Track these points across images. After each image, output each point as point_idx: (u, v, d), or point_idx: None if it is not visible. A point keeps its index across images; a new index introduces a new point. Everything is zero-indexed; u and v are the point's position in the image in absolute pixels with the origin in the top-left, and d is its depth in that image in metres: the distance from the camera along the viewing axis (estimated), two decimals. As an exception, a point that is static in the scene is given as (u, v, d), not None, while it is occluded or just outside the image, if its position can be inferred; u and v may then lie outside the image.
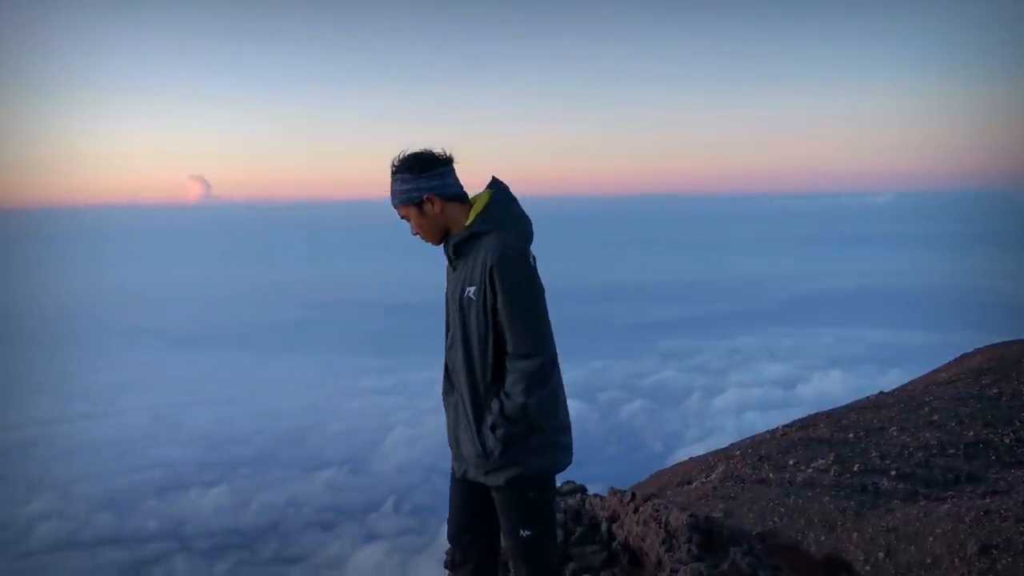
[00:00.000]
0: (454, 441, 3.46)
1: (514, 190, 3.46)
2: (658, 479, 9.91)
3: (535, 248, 3.37)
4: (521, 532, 3.35)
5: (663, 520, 4.83)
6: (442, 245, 3.41)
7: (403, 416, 44.06)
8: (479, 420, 3.31)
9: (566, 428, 3.41)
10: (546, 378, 3.23)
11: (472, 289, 3.27)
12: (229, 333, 75.46)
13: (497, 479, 3.32)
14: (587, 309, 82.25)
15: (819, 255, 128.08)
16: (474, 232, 3.31)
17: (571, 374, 53.76)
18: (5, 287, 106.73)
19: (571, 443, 3.44)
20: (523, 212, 3.43)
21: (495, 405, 3.25)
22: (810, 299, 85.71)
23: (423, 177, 3.34)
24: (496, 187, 3.42)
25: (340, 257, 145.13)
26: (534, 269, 3.27)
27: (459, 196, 3.37)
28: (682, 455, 16.03)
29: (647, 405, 48.08)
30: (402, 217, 3.41)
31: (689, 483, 9.01)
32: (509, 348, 3.24)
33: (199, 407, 49.84)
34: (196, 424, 46.25)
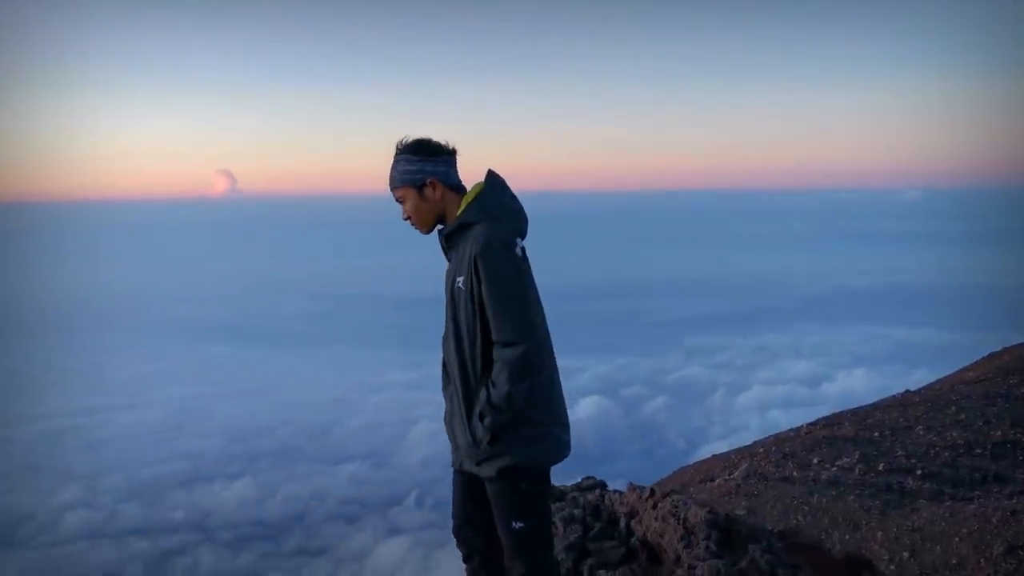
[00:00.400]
0: (451, 432, 3.49)
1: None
2: (681, 476, 9.89)
3: (533, 241, 3.40)
4: (513, 524, 3.35)
5: (682, 516, 4.82)
6: (437, 236, 3.44)
7: (426, 410, 44.13)
8: (470, 410, 3.32)
9: (561, 421, 3.40)
10: (530, 366, 3.21)
11: (461, 279, 3.29)
12: (255, 326, 75.95)
13: (489, 469, 3.32)
14: (612, 305, 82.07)
15: (846, 252, 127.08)
16: (463, 222, 3.32)
17: (595, 370, 53.81)
18: (35, 279, 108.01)
19: (567, 437, 3.42)
20: (516, 204, 3.43)
21: (482, 394, 3.26)
22: (836, 296, 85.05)
23: (429, 161, 3.37)
24: (490, 179, 3.42)
25: (366, 250, 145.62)
26: (519, 259, 3.26)
27: (458, 187, 3.41)
28: (705, 452, 15.98)
29: (671, 402, 47.89)
30: (398, 199, 3.43)
31: (712, 480, 8.99)
32: (493, 337, 3.25)
33: (224, 399, 50.21)
34: (221, 416, 46.59)
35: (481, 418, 3.26)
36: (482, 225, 3.28)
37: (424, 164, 3.36)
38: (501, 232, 3.26)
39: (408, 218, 3.45)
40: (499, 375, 3.21)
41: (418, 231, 3.47)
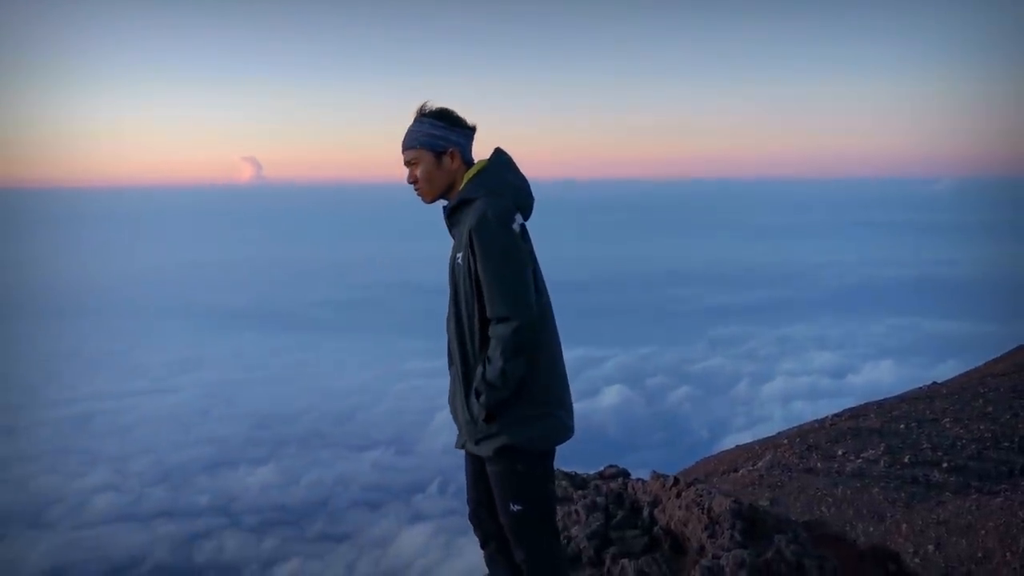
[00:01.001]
0: (453, 411, 3.43)
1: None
2: (704, 466, 9.88)
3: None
4: (511, 506, 3.29)
5: (706, 506, 4.78)
6: (442, 213, 3.38)
7: (450, 398, 44.19)
8: (469, 388, 3.27)
9: (563, 403, 3.31)
10: (524, 343, 3.11)
11: (460, 256, 3.24)
12: (281, 313, 76.43)
13: (486, 449, 3.26)
14: (637, 295, 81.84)
15: (874, 242, 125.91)
16: (463, 198, 3.26)
17: (619, 359, 53.73)
18: (65, 264, 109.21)
19: (569, 420, 3.34)
20: (520, 181, 3.34)
21: (478, 371, 3.20)
22: (863, 287, 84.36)
23: (454, 131, 3.32)
24: (496, 156, 3.35)
25: (391, 238, 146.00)
26: (515, 234, 3.16)
27: (470, 163, 3.35)
28: (729, 443, 15.93)
29: (694, 392, 47.71)
30: (409, 161, 3.33)
31: (735, 471, 8.96)
32: (488, 313, 3.17)
33: (249, 386, 50.63)
34: (246, 402, 46.99)
35: (477, 395, 3.20)
36: (481, 201, 3.20)
37: (449, 132, 3.30)
38: (498, 207, 3.17)
39: (414, 182, 3.35)
40: (494, 351, 3.13)
41: (421, 199, 3.38)
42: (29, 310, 75.90)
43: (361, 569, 28.81)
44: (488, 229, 3.12)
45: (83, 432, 42.30)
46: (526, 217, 3.28)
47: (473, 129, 3.36)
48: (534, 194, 3.35)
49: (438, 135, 3.28)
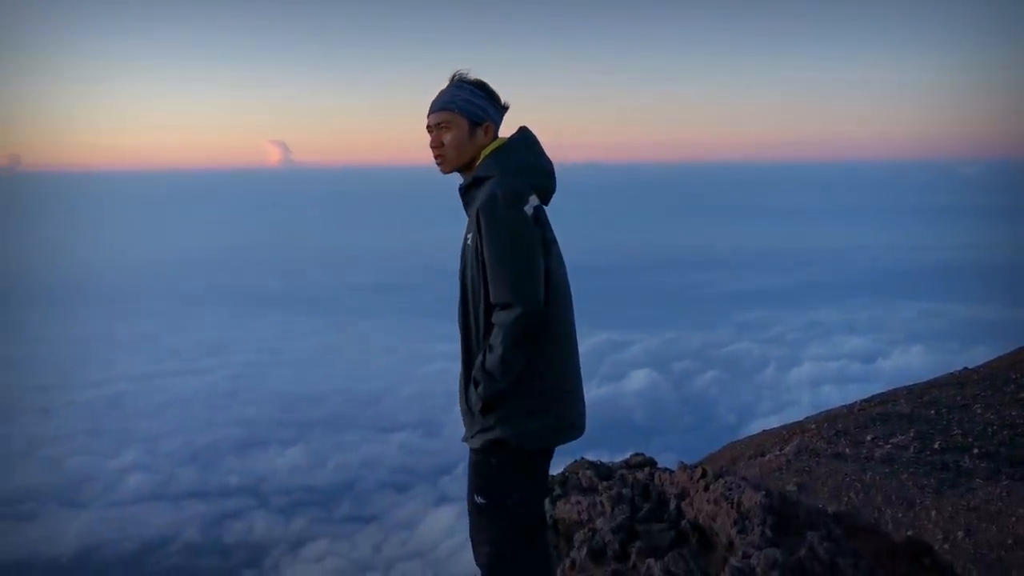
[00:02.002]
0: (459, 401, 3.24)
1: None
2: (731, 450, 9.84)
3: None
4: (476, 497, 3.13)
5: (735, 500, 4.62)
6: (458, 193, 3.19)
7: (476, 381, 44.23)
8: (468, 376, 3.09)
9: (568, 400, 3.07)
10: (527, 331, 2.89)
11: (470, 236, 3.02)
12: (309, 296, 76.91)
13: (477, 441, 3.09)
14: (664, 278, 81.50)
15: (903, 226, 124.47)
16: (477, 176, 3.05)
17: (646, 343, 53.57)
18: (96, 247, 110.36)
19: (575, 419, 3.10)
20: (541, 162, 3.12)
21: (478, 359, 3.01)
22: (893, 271, 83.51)
23: (493, 105, 3.13)
24: (518, 134, 3.15)
25: (417, 221, 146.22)
26: (525, 216, 2.92)
27: (494, 141, 3.15)
28: (756, 427, 15.85)
29: (721, 376, 47.52)
30: (438, 124, 3.09)
31: (763, 455, 8.92)
32: (491, 299, 2.96)
33: (278, 367, 51.07)
34: (274, 384, 47.39)
35: (475, 384, 3.01)
36: (495, 179, 3.00)
37: (488, 105, 3.11)
38: (510, 186, 2.95)
39: (439, 147, 3.11)
40: (495, 339, 2.93)
41: (440, 167, 3.15)
42: (61, 293, 76.89)
43: (387, 551, 29.03)
44: (496, 209, 2.92)
45: (115, 413, 42.86)
46: (546, 201, 3.09)
47: (506, 108, 3.17)
48: (557, 178, 3.16)
49: (478, 104, 3.09)
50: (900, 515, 6.70)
